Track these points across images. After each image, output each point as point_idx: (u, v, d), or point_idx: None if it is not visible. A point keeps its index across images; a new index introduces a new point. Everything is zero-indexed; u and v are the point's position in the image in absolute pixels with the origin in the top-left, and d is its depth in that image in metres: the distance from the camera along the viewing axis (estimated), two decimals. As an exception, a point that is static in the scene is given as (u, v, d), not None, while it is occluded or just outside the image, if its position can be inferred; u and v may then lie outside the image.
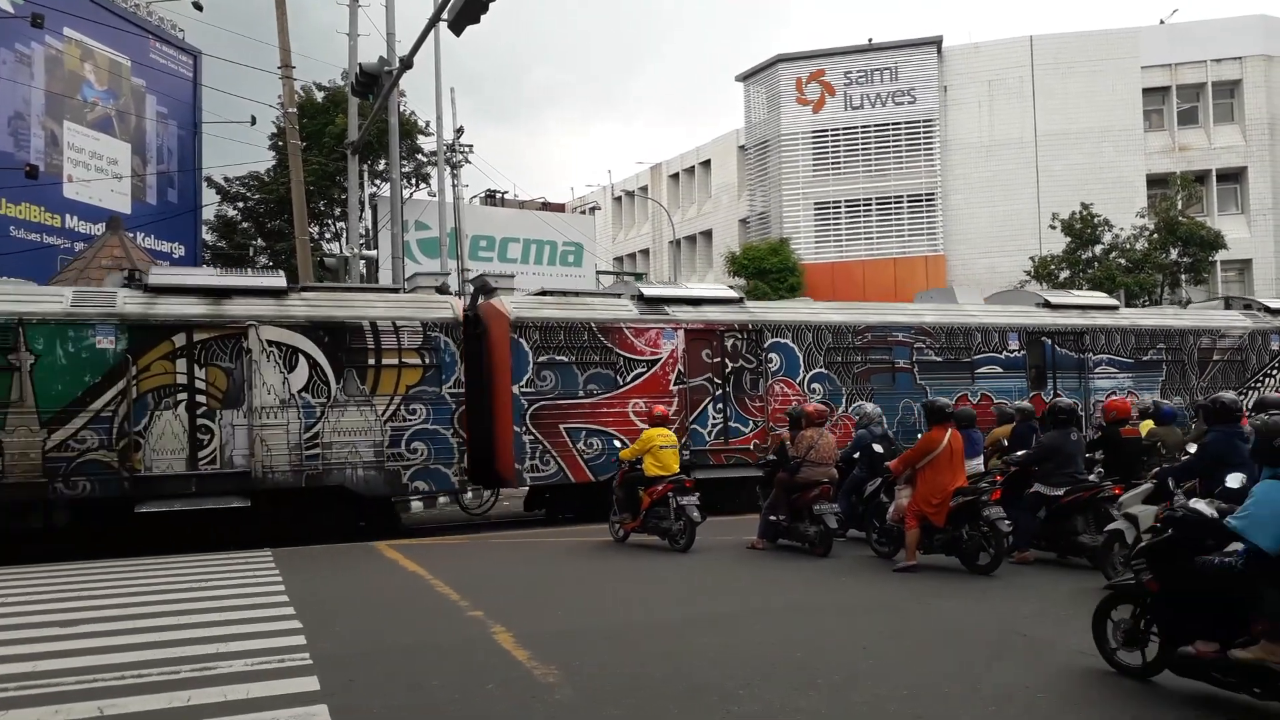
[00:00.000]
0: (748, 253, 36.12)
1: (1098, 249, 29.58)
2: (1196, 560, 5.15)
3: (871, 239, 37.12)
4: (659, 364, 14.24)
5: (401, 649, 6.42)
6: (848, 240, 37.40)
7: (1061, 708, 5.07)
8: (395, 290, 14.88)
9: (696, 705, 5.14)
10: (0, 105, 23.40)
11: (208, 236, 32.35)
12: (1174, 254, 29.31)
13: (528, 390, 13.48)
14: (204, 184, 31.00)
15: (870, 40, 37.82)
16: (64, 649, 6.47)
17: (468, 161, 31.24)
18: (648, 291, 14.98)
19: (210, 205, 31.92)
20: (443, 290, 14.87)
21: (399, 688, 5.51)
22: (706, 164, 46.35)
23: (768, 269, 34.85)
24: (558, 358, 13.66)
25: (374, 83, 16.54)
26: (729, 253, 37.55)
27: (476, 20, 12.73)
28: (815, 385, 15.14)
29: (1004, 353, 16.27)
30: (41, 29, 21.98)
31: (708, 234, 45.71)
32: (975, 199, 36.05)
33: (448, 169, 29.66)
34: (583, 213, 43.12)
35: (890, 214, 36.90)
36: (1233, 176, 35.27)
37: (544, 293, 14.86)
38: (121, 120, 27.31)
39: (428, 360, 13.10)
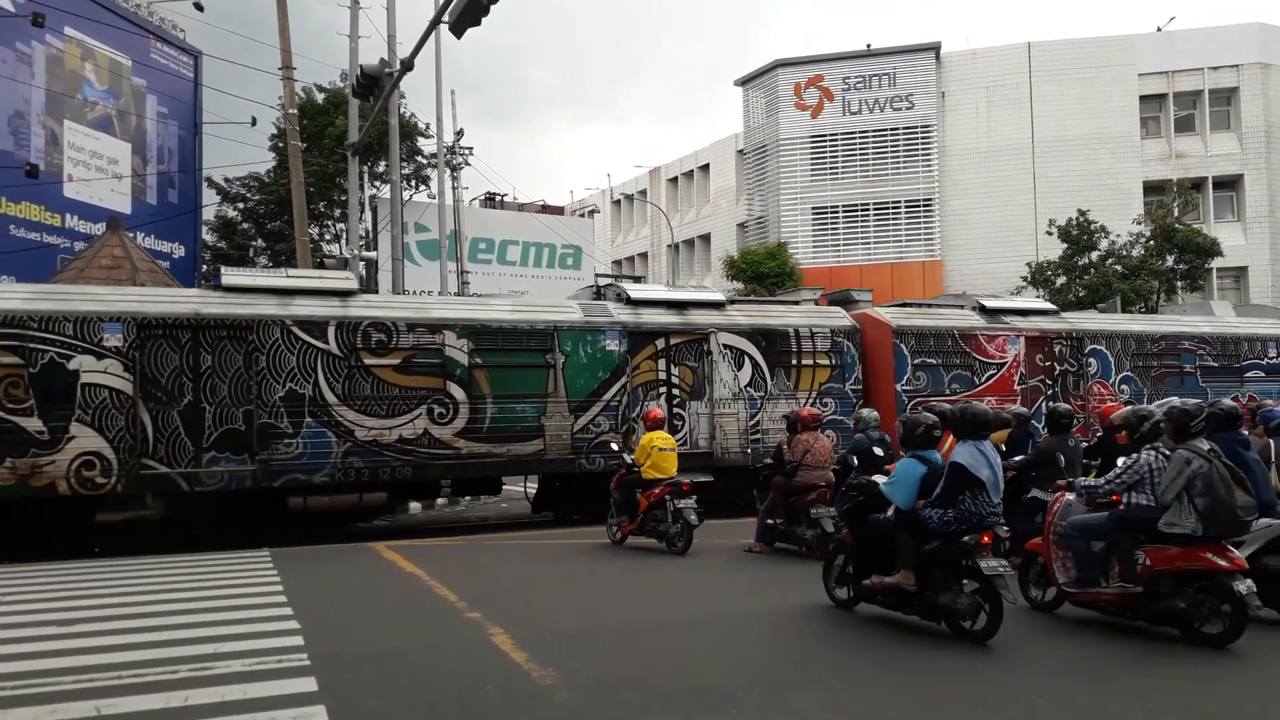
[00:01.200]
0: (746, 257, 36.16)
1: (1094, 255, 29.65)
2: (870, 518, 7.21)
3: (869, 244, 37.22)
4: (1005, 367, 16.30)
5: (400, 650, 6.44)
6: (845, 245, 37.49)
7: (1060, 712, 5.11)
8: (796, 303, 17.05)
9: (695, 707, 5.16)
10: (0, 104, 23.39)
11: (208, 237, 32.36)
12: (1170, 261, 29.39)
13: (907, 388, 15.48)
14: (204, 184, 31.02)
15: (869, 46, 37.93)
16: (61, 648, 6.47)
17: (467, 164, 31.27)
18: (988, 304, 17.07)
19: (210, 206, 31.98)
20: (840, 301, 17.40)
21: (397, 688, 5.53)
22: (705, 168, 46.46)
23: (765, 273, 34.89)
24: (928, 360, 15.72)
25: (374, 84, 16.57)
26: (727, 257, 37.62)
27: (477, 23, 12.76)
28: (1124, 386, 16.98)
29: (1265, 359, 18.15)
30: (42, 28, 21.97)
31: (706, 238, 45.79)
32: (973, 205, 36.15)
33: (448, 171, 29.71)
34: (582, 216, 43.18)
35: (888, 219, 37.00)
36: (1229, 184, 35.40)
37: (904, 304, 17.43)
38: (122, 120, 27.31)
39: (834, 361, 15.51)
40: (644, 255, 50.69)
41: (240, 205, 32.57)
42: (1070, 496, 7.37)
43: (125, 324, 11.57)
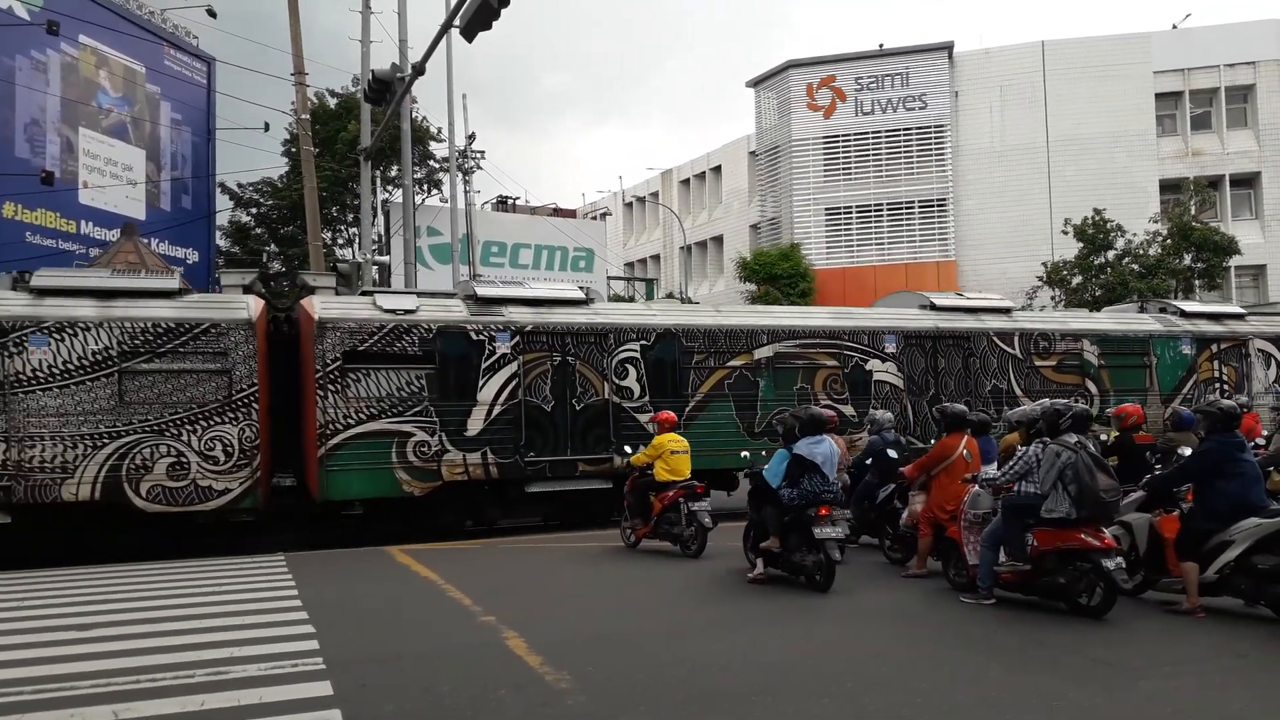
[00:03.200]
0: (759, 258, 36.12)
1: (1110, 254, 29.44)
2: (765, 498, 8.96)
3: (883, 244, 37.10)
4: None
5: (414, 654, 6.43)
6: (859, 245, 37.38)
7: (1079, 716, 5.05)
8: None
9: (710, 712, 5.13)
10: (17, 112, 23.60)
11: (221, 242, 32.55)
12: (1187, 259, 29.15)
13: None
14: (218, 190, 31.19)
15: (881, 46, 37.83)
16: (80, 653, 6.50)
17: (479, 168, 31.37)
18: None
19: (224, 211, 32.16)
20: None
21: (412, 692, 5.52)
22: (717, 170, 46.41)
23: (779, 274, 34.85)
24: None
25: (386, 89, 16.61)
26: (740, 258, 37.58)
27: (488, 26, 12.78)
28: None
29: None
30: (57, 36, 22.17)
31: (719, 239, 45.75)
32: (987, 204, 35.98)
33: (460, 175, 29.77)
34: (594, 218, 43.26)
35: (902, 219, 36.88)
36: (1246, 182, 35.11)
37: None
38: (136, 127, 27.51)
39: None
40: (656, 257, 50.69)
41: (254, 210, 32.73)
42: (976, 488, 8.31)
43: (897, 336, 15.62)
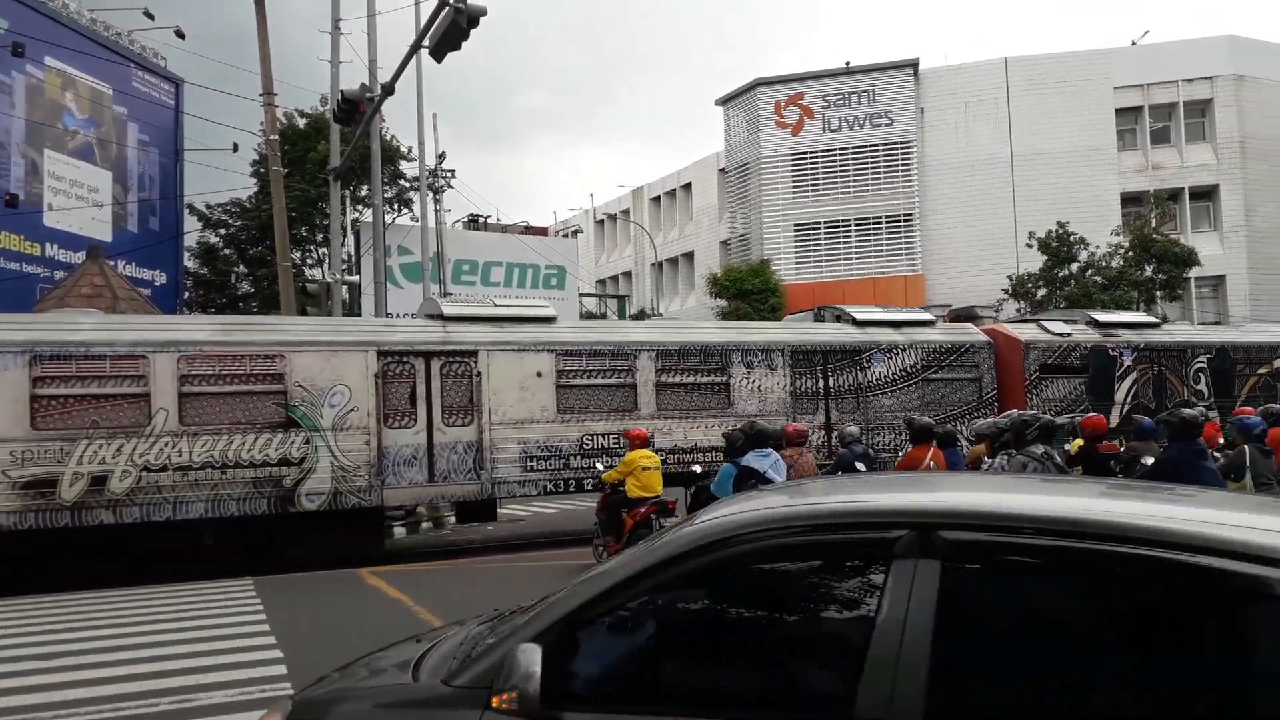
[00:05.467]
0: (729, 274, 36.31)
1: (1074, 267, 29.90)
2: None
3: (851, 259, 37.43)
4: None
5: (383, 677, 6.41)
6: (828, 260, 37.69)
7: None
8: None
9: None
10: (-21, 134, 23.34)
11: (189, 264, 32.26)
12: (1149, 271, 29.66)
13: None
14: (186, 211, 30.94)
15: (848, 64, 38.26)
16: (42, 683, 6.42)
17: (450, 186, 31.35)
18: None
19: (192, 232, 31.89)
20: None
21: (381, 716, 5.51)
22: (687, 187, 46.68)
23: (749, 290, 35.04)
24: None
25: (355, 109, 16.59)
26: (710, 274, 37.77)
27: (457, 47, 12.80)
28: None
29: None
30: (23, 58, 21.98)
31: (689, 256, 45.97)
32: (953, 219, 36.42)
33: (430, 194, 29.76)
34: (565, 236, 43.34)
35: (869, 234, 37.24)
36: (1205, 194, 35.80)
37: None
38: (103, 148, 27.28)
39: None
40: (628, 274, 50.83)
41: (222, 231, 32.49)
42: None
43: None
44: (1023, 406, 14.70)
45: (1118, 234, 30.33)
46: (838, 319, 16.83)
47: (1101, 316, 18.38)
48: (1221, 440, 11.48)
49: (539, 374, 13.64)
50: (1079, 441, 11.16)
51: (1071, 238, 29.78)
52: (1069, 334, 17.07)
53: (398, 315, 26.16)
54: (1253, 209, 35.12)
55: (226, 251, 32.81)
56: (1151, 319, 18.93)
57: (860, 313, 16.78)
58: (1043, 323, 17.71)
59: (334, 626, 8.32)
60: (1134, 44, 37.30)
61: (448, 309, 14.13)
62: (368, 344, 12.85)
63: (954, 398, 16.12)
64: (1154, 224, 30.73)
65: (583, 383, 14.02)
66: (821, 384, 15.45)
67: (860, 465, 10.80)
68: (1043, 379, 16.54)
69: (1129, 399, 16.96)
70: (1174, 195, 35.00)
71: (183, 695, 5.94)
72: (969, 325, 17.77)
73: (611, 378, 14.22)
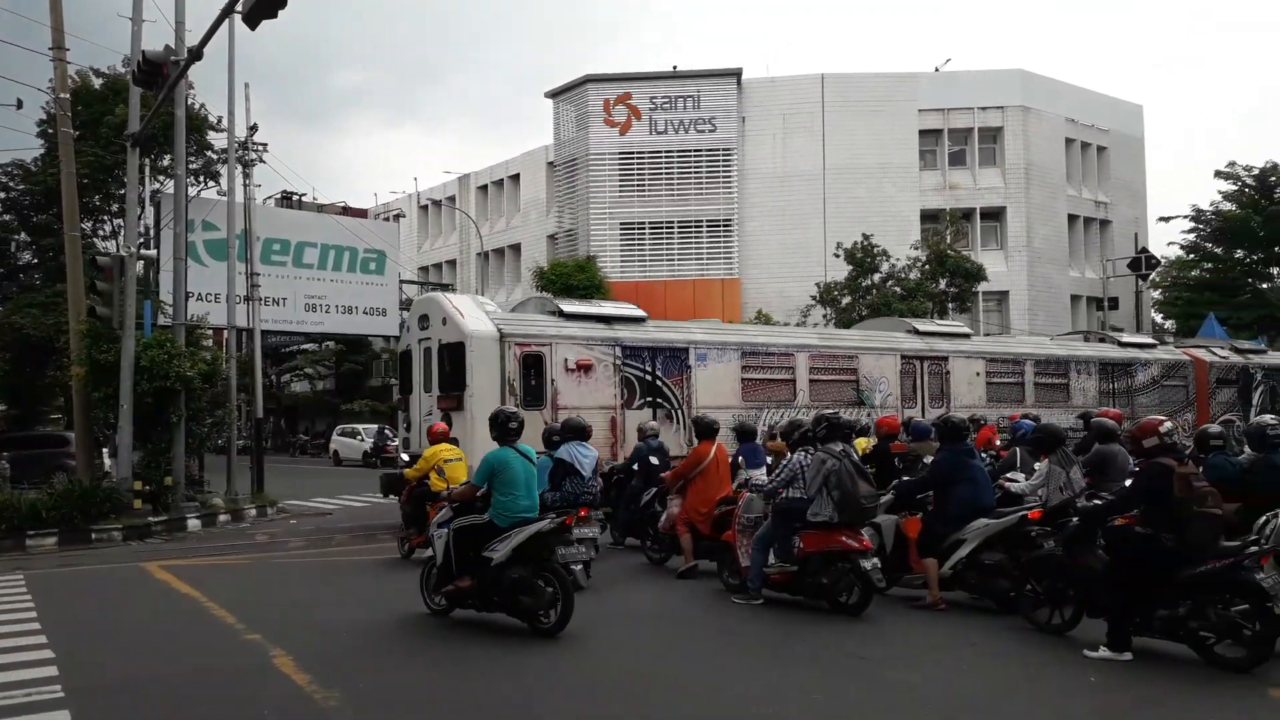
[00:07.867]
0: (555, 269, 36.31)
1: (876, 277, 31.81)
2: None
3: (673, 260, 38.25)
4: None
5: (170, 677, 6.09)
6: (651, 260, 38.37)
7: (834, 707, 5.48)
8: None
9: (479, 721, 5.17)
10: None
11: (-39, 229, 29.16)
12: (943, 284, 31.98)
13: None
14: (-42, 171, 27.93)
15: (675, 68, 39.02)
16: None
17: (262, 161, 29.67)
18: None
19: (-35, 195, 28.81)
20: None
21: (161, 719, 5.24)
22: (515, 178, 46.31)
23: (574, 285, 35.16)
24: None
25: (159, 72, 15.47)
26: (537, 268, 37.64)
27: (274, 14, 12.14)
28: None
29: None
30: None
31: (516, 248, 45.65)
32: (768, 226, 37.87)
33: (239, 167, 28.13)
34: (386, 219, 42.03)
35: (691, 237, 38.18)
36: (994, 215, 38.86)
37: None
38: None
39: None
40: (452, 263, 49.89)
41: (2, 195, 29.57)
42: (750, 494, 8.78)
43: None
44: (1207, 411, 21.33)
45: (916, 248, 32.48)
46: (1101, 340, 22.76)
47: (1244, 345, 24.92)
48: (998, 442, 12.60)
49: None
50: (868, 440, 11.97)
51: (875, 250, 31.66)
52: (1227, 357, 23.30)
53: (200, 295, 24.61)
54: (1034, 230, 38.45)
55: (7, 217, 29.89)
56: (1274, 351, 26.09)
57: (1124, 337, 23.22)
58: (1210, 349, 23.55)
59: (115, 624, 7.83)
60: (937, 70, 39.98)
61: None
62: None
63: (1174, 398, 21.53)
64: (949, 240, 33.12)
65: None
66: (1112, 386, 21.10)
67: (654, 459, 11.29)
68: (1216, 389, 22.21)
69: (1259, 405, 22.63)
70: (967, 214, 37.77)
71: (-66, 702, 5.43)
72: (1170, 347, 23.68)
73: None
